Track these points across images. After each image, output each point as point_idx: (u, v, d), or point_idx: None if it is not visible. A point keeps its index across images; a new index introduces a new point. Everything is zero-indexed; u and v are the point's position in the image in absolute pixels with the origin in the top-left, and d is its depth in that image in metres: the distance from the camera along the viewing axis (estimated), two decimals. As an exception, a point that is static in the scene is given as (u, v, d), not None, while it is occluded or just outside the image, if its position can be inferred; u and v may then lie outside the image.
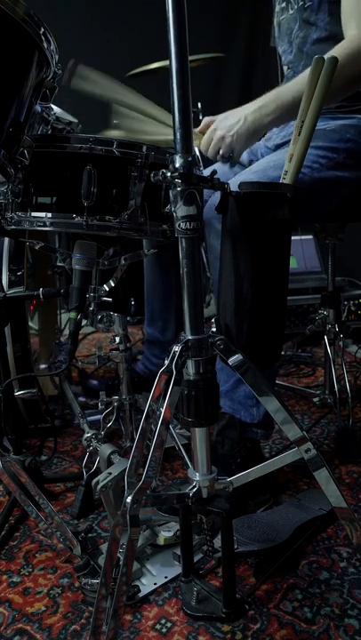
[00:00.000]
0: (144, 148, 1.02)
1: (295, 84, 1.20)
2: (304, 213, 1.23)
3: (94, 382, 1.85)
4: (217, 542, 0.93)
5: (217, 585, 0.95)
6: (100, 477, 1.01)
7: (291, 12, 1.43)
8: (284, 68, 1.53)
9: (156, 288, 1.73)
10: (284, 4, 1.46)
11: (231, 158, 1.24)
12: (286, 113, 1.20)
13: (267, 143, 1.51)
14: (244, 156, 1.50)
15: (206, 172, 0.82)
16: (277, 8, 1.50)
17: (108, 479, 1.00)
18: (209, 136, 1.24)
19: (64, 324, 1.94)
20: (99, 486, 1.00)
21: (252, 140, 1.24)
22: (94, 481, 1.02)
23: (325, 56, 0.94)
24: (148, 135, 1.44)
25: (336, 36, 1.27)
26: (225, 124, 1.22)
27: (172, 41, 0.74)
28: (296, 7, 1.41)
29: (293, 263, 2.43)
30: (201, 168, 1.48)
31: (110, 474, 1.01)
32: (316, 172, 1.23)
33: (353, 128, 1.30)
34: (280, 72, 1.61)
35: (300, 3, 1.38)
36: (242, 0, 3.09)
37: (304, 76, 1.18)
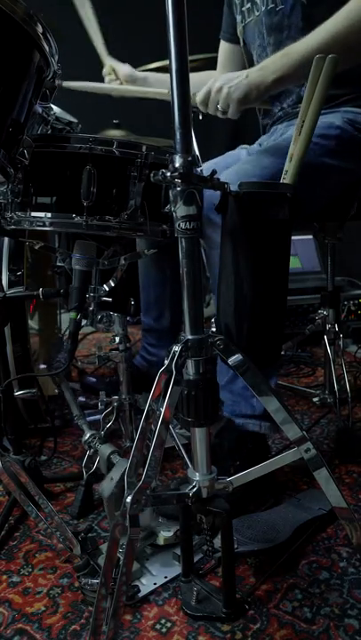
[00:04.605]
0: (144, 148, 1.02)
1: (306, 44, 1.14)
2: (304, 205, 1.22)
3: (92, 380, 1.85)
4: (217, 542, 0.92)
5: (217, 585, 0.95)
6: (104, 484, 1.01)
7: (257, 13, 1.36)
8: None
9: (151, 277, 1.71)
10: (248, 5, 1.38)
11: (226, 114, 1.20)
12: (293, 73, 1.14)
13: (259, 148, 1.51)
14: (243, 158, 1.50)
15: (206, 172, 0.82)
16: (240, 11, 1.42)
17: (113, 485, 0.99)
18: (208, 87, 1.20)
19: (64, 324, 1.94)
20: (105, 494, 0.99)
21: (251, 99, 1.18)
22: (100, 490, 1.01)
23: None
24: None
25: None
26: (225, 77, 1.18)
27: (172, 41, 0.74)
28: (263, 9, 1.33)
29: (296, 263, 2.43)
30: (201, 167, 1.48)
31: (112, 479, 1.01)
32: (306, 158, 1.23)
33: (339, 119, 1.30)
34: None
35: (270, 5, 1.31)
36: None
37: (318, 32, 1.13)
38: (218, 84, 1.18)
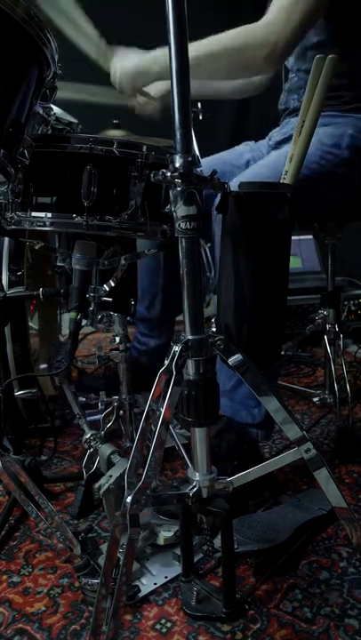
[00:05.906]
0: (144, 148, 1.02)
1: (195, 48, 1.17)
2: (310, 209, 1.24)
3: (87, 379, 1.85)
4: (217, 542, 0.92)
5: (217, 585, 0.95)
6: (102, 481, 1.01)
7: None
8: (290, 73, 1.51)
9: (145, 265, 1.71)
10: None
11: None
12: None
13: (269, 142, 1.52)
14: (246, 155, 1.50)
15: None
16: None
17: (110, 482, 1.00)
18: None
19: (64, 324, 1.93)
20: (101, 490, 1.00)
21: (139, 85, 1.33)
22: (96, 485, 1.02)
23: (329, 56, 0.94)
24: None
25: (336, 39, 1.27)
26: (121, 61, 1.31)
27: (172, 41, 0.74)
28: None
29: (297, 263, 2.43)
30: (200, 167, 1.48)
31: (111, 476, 1.01)
32: (324, 169, 1.24)
33: (351, 128, 1.31)
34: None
35: None
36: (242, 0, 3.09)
37: (211, 40, 1.23)
38: (112, 71, 1.30)
